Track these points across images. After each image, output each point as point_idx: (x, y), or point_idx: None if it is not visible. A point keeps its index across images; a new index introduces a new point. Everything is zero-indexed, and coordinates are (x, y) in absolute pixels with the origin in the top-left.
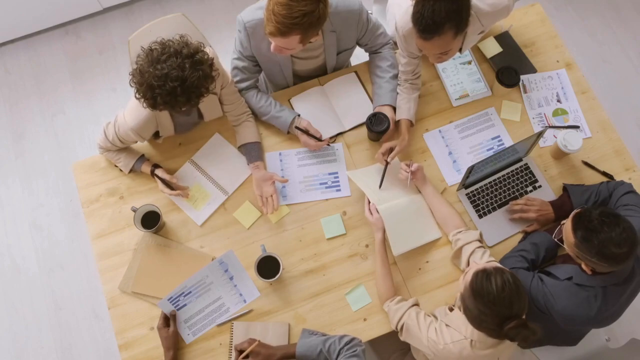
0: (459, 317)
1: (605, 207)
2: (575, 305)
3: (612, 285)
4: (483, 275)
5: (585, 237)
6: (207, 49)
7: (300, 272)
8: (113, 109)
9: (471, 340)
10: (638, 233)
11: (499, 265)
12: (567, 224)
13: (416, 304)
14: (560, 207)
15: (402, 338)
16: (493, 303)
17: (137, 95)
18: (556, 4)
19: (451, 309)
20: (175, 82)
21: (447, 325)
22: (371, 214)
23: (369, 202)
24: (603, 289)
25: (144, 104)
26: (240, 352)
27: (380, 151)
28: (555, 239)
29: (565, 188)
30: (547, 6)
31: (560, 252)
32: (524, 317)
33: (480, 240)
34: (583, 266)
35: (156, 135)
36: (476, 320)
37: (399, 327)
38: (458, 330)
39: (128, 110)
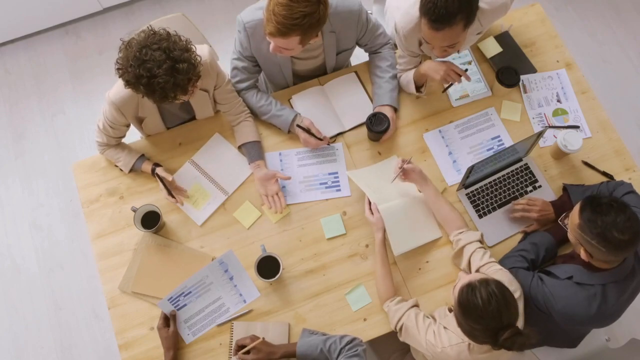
0: (455, 319)
1: (614, 197)
2: (575, 304)
3: (611, 283)
4: (468, 290)
5: (590, 218)
6: (206, 48)
7: (300, 272)
8: None
9: (469, 344)
10: None
11: (484, 276)
12: (576, 207)
13: (416, 305)
14: (561, 207)
15: (401, 338)
16: (482, 317)
17: (117, 59)
18: (556, 4)
19: (451, 310)
20: (146, 72)
21: (445, 327)
22: (372, 213)
23: (370, 202)
24: (602, 287)
25: (116, 70)
26: (241, 347)
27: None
28: (561, 223)
29: (565, 188)
30: (547, 6)
31: (561, 252)
32: (517, 324)
33: (482, 241)
34: (582, 253)
35: (141, 122)
36: (470, 334)
37: (398, 328)
38: (456, 333)
39: (113, 87)
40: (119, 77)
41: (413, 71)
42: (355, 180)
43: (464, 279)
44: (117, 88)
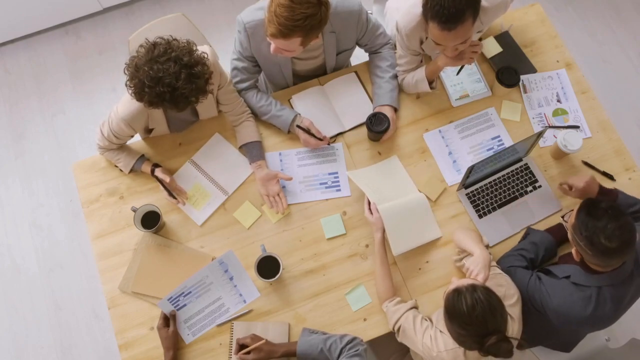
0: None
1: (615, 204)
2: (569, 303)
3: (607, 287)
4: (454, 295)
5: (583, 220)
6: (207, 48)
7: (300, 272)
8: None
9: (464, 349)
10: None
11: (473, 281)
12: (577, 207)
13: (415, 307)
14: (606, 194)
15: (398, 339)
16: (467, 323)
17: (127, 83)
18: (556, 4)
19: None
20: (167, 87)
21: (441, 331)
22: (371, 213)
23: (369, 202)
24: (598, 289)
25: (131, 95)
26: (242, 346)
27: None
28: (562, 219)
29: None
30: (547, 6)
31: (560, 252)
32: (507, 330)
33: (487, 246)
34: (573, 251)
35: (150, 131)
36: (458, 340)
37: (396, 329)
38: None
39: (121, 102)
40: (138, 100)
41: (421, 70)
42: (355, 181)
43: (453, 284)
44: (126, 104)
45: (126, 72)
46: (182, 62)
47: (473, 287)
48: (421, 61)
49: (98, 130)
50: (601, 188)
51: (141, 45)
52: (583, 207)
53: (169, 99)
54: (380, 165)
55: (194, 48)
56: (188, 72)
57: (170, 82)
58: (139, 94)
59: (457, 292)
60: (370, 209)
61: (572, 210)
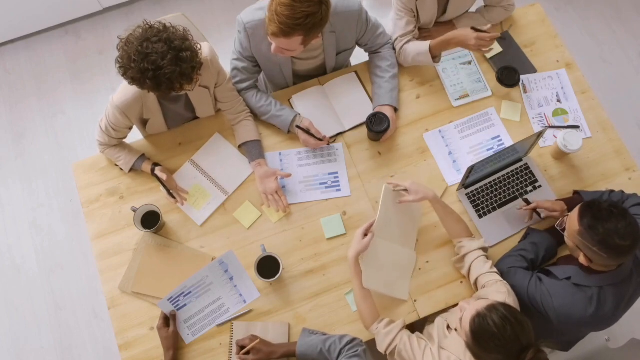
0: (457, 341)
1: (614, 202)
2: (571, 304)
3: (608, 286)
4: (479, 320)
5: (591, 224)
6: (206, 45)
7: (300, 272)
8: None
9: None
10: None
11: (489, 301)
12: (574, 212)
13: (404, 326)
14: (572, 205)
15: None
16: (501, 345)
17: (117, 58)
18: (556, 4)
19: (449, 327)
20: (151, 65)
21: (442, 349)
22: (364, 234)
23: (370, 225)
24: (599, 289)
25: (118, 69)
26: (242, 347)
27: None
28: (558, 228)
29: (576, 192)
30: (547, 6)
31: (561, 252)
32: (535, 343)
33: (484, 248)
34: (581, 257)
35: (145, 123)
36: None
37: (389, 351)
38: (455, 354)
39: (116, 92)
40: (122, 75)
41: (426, 44)
42: (383, 196)
43: (469, 310)
44: (121, 92)
45: (118, 47)
46: (172, 44)
47: (493, 307)
48: (415, 27)
49: (97, 125)
50: (567, 201)
51: (138, 26)
52: (586, 212)
53: (151, 77)
54: (406, 207)
55: (189, 37)
56: (176, 54)
57: (156, 60)
58: (124, 68)
59: (480, 316)
60: (367, 229)
61: (565, 217)
